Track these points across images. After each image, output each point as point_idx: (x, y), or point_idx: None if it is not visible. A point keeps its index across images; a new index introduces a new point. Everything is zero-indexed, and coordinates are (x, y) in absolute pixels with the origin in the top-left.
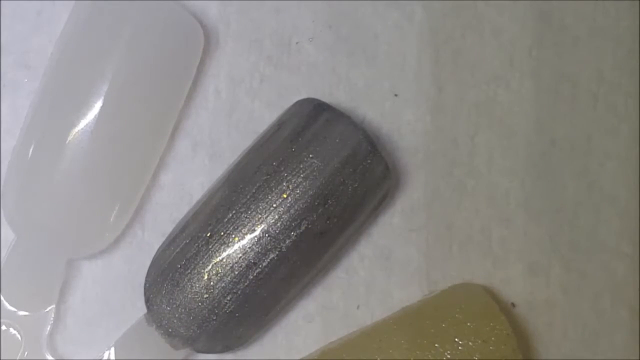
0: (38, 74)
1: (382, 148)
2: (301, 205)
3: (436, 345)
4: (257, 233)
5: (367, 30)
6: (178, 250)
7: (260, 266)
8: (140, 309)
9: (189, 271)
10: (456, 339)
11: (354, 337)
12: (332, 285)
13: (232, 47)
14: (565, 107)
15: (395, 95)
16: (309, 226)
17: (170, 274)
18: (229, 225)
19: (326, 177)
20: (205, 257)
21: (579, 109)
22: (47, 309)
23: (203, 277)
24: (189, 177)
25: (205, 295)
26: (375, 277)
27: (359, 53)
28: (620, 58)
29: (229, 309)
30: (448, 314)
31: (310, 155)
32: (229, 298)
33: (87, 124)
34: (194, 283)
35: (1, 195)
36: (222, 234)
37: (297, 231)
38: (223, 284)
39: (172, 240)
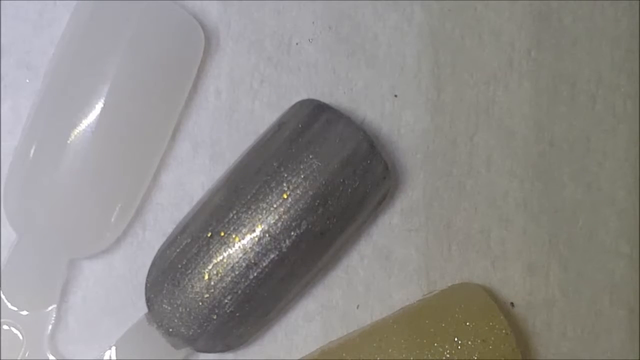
0: (39, 75)
1: (381, 148)
2: (301, 205)
3: (435, 344)
4: (257, 233)
5: (367, 31)
6: (179, 250)
7: (261, 266)
8: (141, 308)
9: (189, 271)
10: (455, 339)
11: (353, 337)
12: (332, 284)
13: (232, 48)
14: (564, 107)
15: (395, 95)
16: (309, 226)
17: (171, 274)
18: (230, 226)
19: (326, 178)
20: (206, 257)
21: (578, 110)
22: (49, 309)
23: (203, 277)
24: (190, 178)
25: (206, 295)
26: (375, 276)
27: (358, 54)
28: (619, 59)
29: (230, 309)
30: (447, 313)
31: (310, 156)
32: (229, 298)
33: (88, 125)
34: (195, 283)
35: (3, 195)
36: (222, 234)
37: (297, 231)
38: (223, 284)
39: (172, 240)
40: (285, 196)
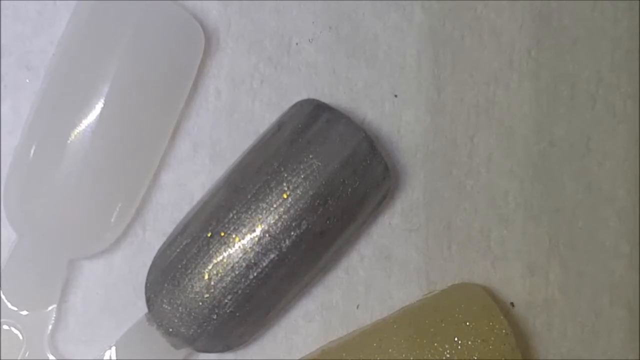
0: (39, 75)
1: (382, 148)
2: (301, 205)
3: (435, 344)
4: (257, 233)
5: (367, 31)
6: (179, 250)
7: (261, 266)
8: (141, 308)
9: (189, 271)
10: (455, 339)
11: (353, 337)
12: (332, 285)
13: (232, 47)
14: (564, 107)
15: (395, 95)
16: (309, 226)
17: (171, 274)
18: (230, 226)
19: (326, 178)
20: (206, 257)
21: (578, 110)
22: (49, 309)
23: (203, 276)
24: (190, 178)
25: (206, 295)
26: (375, 276)
27: (359, 54)
28: (619, 59)
29: (230, 309)
30: (447, 313)
31: (311, 156)
32: (229, 298)
33: (88, 125)
34: (195, 283)
35: (3, 195)
36: (222, 234)
37: (297, 231)
38: (223, 284)
39: (172, 240)
40: (285, 196)
